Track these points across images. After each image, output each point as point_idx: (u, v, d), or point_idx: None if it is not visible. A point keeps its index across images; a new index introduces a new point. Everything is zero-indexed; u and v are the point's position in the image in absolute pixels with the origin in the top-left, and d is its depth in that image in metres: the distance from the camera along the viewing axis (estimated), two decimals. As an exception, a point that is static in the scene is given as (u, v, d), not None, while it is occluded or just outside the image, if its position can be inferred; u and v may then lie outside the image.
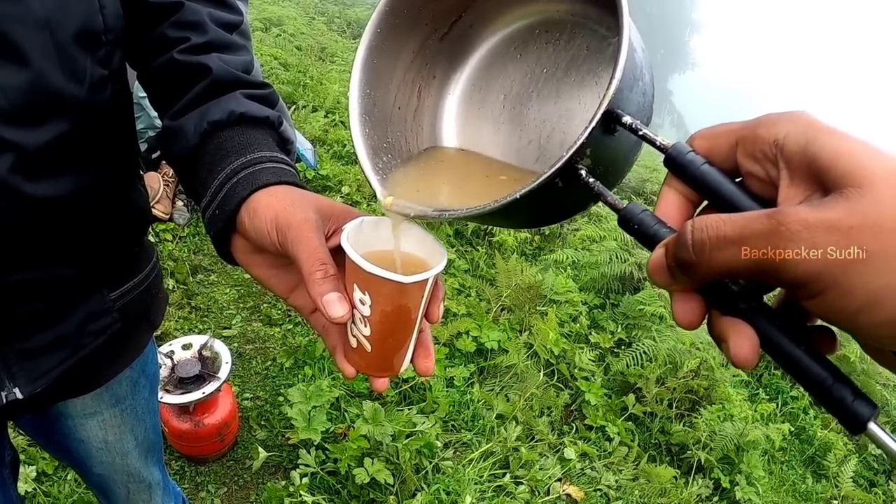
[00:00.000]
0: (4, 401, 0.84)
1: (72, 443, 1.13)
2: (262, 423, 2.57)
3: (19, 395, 0.85)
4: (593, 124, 0.46)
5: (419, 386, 2.77)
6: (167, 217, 3.46)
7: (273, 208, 0.63)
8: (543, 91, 0.65)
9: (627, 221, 0.45)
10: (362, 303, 0.57)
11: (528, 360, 3.17)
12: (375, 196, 0.59)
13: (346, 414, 2.53)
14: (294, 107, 5.11)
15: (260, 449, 2.38)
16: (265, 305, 3.15)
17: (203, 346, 2.29)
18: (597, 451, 2.91)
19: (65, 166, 0.73)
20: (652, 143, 0.47)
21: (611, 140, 0.49)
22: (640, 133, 0.47)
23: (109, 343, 0.93)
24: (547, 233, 4.52)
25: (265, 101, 0.76)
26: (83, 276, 0.85)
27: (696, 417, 3.23)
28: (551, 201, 0.51)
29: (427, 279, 0.57)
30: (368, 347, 0.60)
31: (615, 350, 3.57)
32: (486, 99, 0.69)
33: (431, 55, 0.69)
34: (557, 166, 0.46)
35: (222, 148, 0.70)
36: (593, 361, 3.36)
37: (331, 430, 2.43)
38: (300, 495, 2.23)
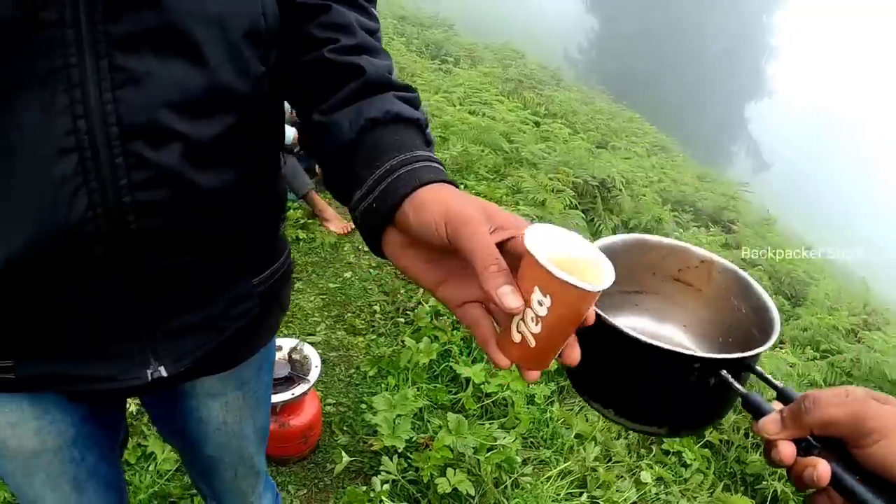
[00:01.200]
0: (150, 378, 0.89)
1: (191, 421, 1.16)
2: (345, 428, 2.61)
3: (164, 374, 0.89)
4: (752, 353, 0.67)
5: (501, 401, 2.78)
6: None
7: (443, 203, 0.65)
8: None
9: (749, 402, 0.64)
10: (540, 304, 0.59)
11: (608, 382, 3.13)
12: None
13: (428, 424, 2.55)
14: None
15: (343, 453, 2.43)
16: (349, 315, 3.22)
17: (293, 350, 2.35)
18: (673, 476, 2.86)
19: (229, 157, 0.78)
20: (773, 385, 0.67)
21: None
22: (764, 377, 0.68)
23: (249, 326, 0.98)
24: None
25: (412, 104, 0.79)
26: (234, 262, 0.90)
27: (774, 448, 3.13)
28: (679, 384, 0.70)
29: (604, 287, 0.59)
30: (532, 343, 0.61)
31: (694, 376, 3.49)
32: None
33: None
34: (712, 357, 0.67)
35: (378, 145, 0.73)
36: (672, 386, 3.30)
37: (413, 439, 2.46)
38: (381, 501, 2.26)
